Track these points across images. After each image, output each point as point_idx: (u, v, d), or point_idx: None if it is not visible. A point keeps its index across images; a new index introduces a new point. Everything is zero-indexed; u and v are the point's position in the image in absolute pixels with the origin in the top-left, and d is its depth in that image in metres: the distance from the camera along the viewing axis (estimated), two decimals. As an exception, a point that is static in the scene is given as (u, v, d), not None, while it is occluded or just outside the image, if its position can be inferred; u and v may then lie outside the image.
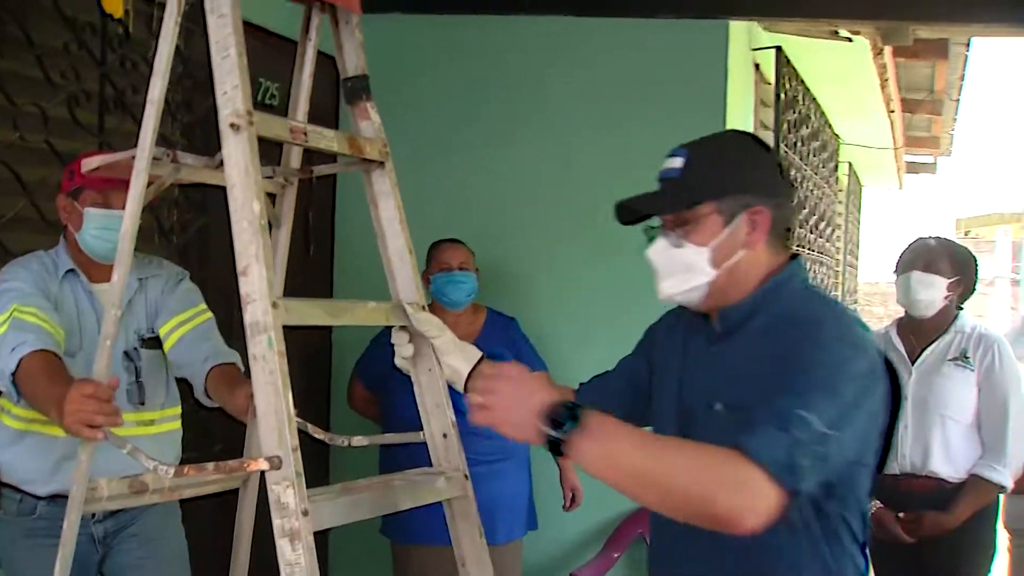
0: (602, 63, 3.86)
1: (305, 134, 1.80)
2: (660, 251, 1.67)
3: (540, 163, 3.93)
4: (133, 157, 1.91)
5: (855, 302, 10.13)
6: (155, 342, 2.55)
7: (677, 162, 1.67)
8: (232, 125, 1.67)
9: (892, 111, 6.41)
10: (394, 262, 1.98)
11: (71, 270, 2.48)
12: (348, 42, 2.05)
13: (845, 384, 1.48)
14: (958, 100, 7.73)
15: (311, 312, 1.72)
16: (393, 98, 3.06)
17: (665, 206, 1.66)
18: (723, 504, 1.38)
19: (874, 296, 18.73)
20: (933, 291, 3.14)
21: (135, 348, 2.53)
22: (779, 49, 4.52)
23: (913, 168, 10.59)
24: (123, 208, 2.38)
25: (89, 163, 2.05)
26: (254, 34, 3.23)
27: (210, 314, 2.63)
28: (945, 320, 3.20)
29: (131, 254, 1.87)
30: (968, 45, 5.99)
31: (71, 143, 2.84)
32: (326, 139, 1.85)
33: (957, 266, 3.18)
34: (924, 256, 3.17)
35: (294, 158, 2.14)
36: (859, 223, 10.42)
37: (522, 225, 3.93)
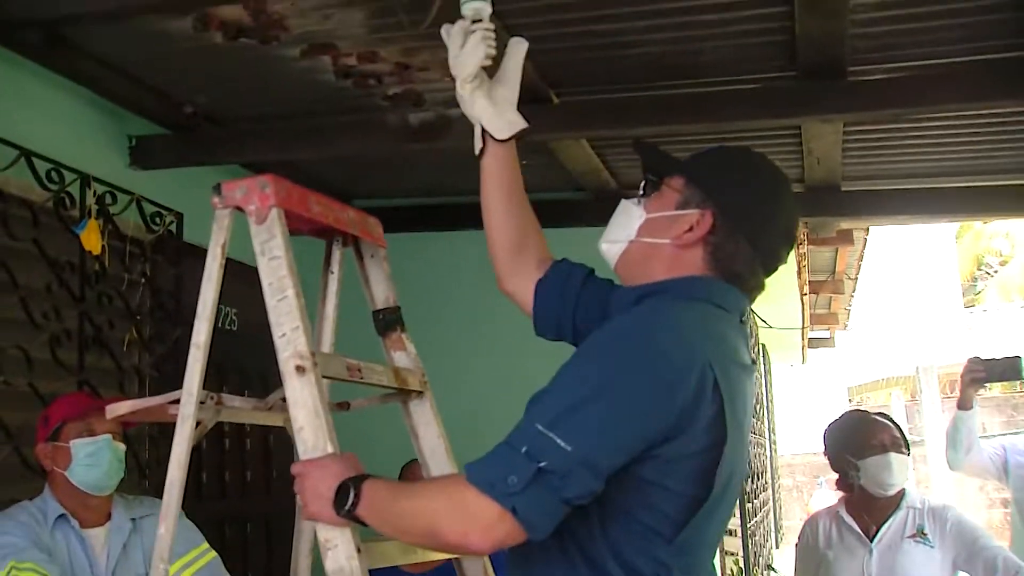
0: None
1: (360, 371, 1.81)
2: (626, 203, 1.68)
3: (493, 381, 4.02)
4: (172, 401, 1.87)
5: (779, 477, 10.26)
6: (150, 590, 2.43)
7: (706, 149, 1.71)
8: (298, 368, 1.67)
9: (805, 294, 6.74)
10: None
11: (61, 515, 2.38)
12: (375, 274, 2.09)
13: (584, 381, 1.42)
14: (856, 279, 8.21)
15: (389, 553, 1.69)
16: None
17: (655, 162, 1.68)
18: (446, 530, 1.42)
19: (780, 468, 19.02)
20: (906, 470, 3.10)
21: (136, 596, 2.41)
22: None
23: (814, 343, 11.04)
24: (106, 432, 2.37)
25: (115, 409, 2.00)
26: (201, 255, 3.26)
27: (214, 553, 2.54)
28: (896, 496, 3.13)
29: (179, 503, 1.81)
30: (867, 230, 6.44)
31: (52, 383, 2.77)
32: (377, 374, 1.86)
33: (905, 440, 3.15)
34: (890, 434, 3.11)
35: (322, 390, 2.13)
36: (774, 401, 10.72)
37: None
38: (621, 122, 3.05)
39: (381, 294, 2.07)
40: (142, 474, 3.10)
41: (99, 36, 2.71)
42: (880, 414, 3.29)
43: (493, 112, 1.80)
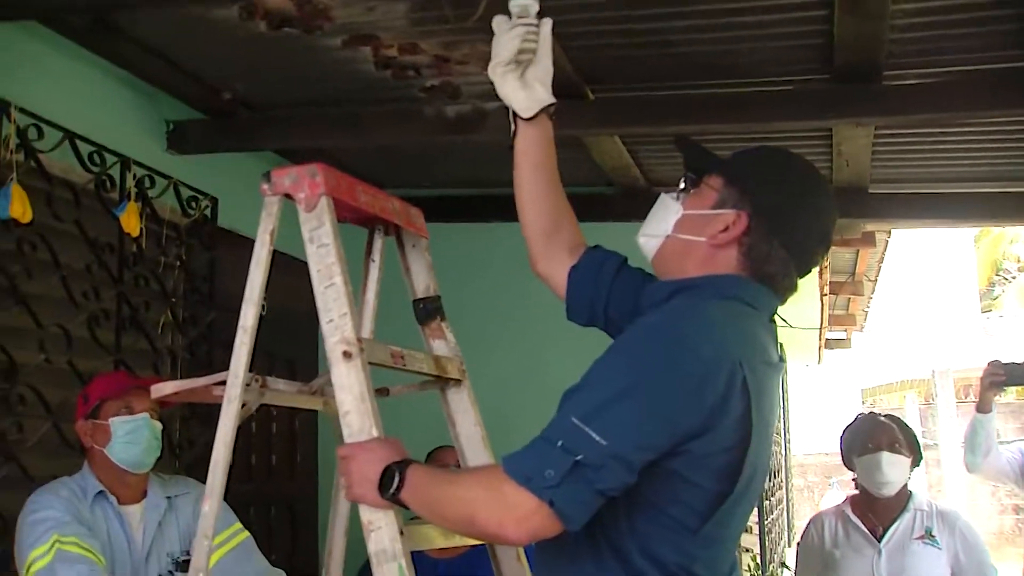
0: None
1: (403, 358, 1.85)
2: (665, 197, 1.70)
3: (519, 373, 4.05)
4: (217, 383, 1.91)
5: (792, 477, 10.27)
6: (190, 565, 2.48)
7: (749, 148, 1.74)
8: (345, 353, 1.71)
9: (825, 295, 6.76)
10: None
11: (100, 492, 2.43)
12: (416, 264, 2.12)
13: (617, 377, 1.44)
14: (875, 280, 8.20)
15: (430, 536, 1.73)
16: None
17: (696, 159, 1.70)
18: (484, 519, 1.46)
19: (792, 468, 19.00)
20: (901, 471, 3.13)
21: (170, 572, 2.46)
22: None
23: (830, 344, 11.03)
24: (145, 411, 2.41)
25: (161, 388, 2.04)
26: (239, 242, 3.32)
27: (247, 533, 2.58)
28: (902, 498, 3.17)
29: (223, 482, 1.85)
30: (889, 232, 6.43)
31: (91, 362, 2.82)
32: (418, 361, 1.90)
33: (911, 443, 3.19)
34: (888, 435, 3.15)
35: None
36: (788, 401, 10.73)
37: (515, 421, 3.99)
38: (655, 120, 3.08)
39: (422, 283, 2.11)
40: (173, 453, 3.15)
41: (143, 21, 2.76)
42: (888, 416, 3.32)
43: (523, 93, 1.86)
